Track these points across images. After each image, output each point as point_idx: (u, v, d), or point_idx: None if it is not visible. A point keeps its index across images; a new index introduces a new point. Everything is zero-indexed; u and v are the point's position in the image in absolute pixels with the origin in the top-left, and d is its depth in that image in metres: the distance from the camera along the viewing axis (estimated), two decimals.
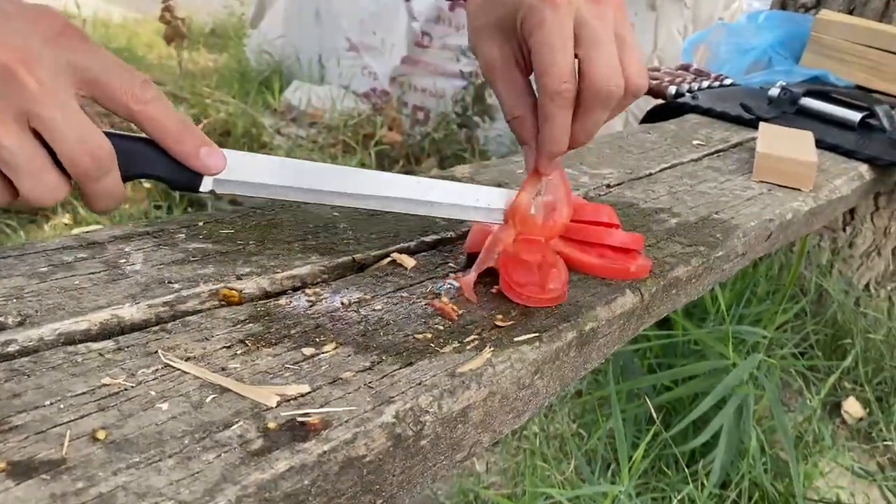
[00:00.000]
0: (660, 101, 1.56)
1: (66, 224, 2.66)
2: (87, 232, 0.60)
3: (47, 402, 0.37)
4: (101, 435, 0.35)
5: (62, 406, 0.37)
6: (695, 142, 1.26)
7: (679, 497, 1.24)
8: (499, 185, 0.90)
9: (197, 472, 0.34)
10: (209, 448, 0.36)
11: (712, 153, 1.21)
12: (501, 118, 3.50)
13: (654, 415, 1.21)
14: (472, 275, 0.58)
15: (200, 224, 0.64)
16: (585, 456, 1.28)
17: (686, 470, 1.26)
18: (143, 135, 0.51)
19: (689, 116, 1.45)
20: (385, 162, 3.24)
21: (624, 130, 1.31)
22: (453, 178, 0.90)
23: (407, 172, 2.67)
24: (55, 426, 0.36)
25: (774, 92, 1.48)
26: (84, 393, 0.39)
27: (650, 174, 1.05)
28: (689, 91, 1.57)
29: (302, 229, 0.67)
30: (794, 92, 1.47)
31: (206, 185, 0.55)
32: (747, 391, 1.31)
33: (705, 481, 1.26)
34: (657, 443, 1.27)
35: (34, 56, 0.45)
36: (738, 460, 1.34)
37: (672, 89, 1.57)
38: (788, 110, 1.46)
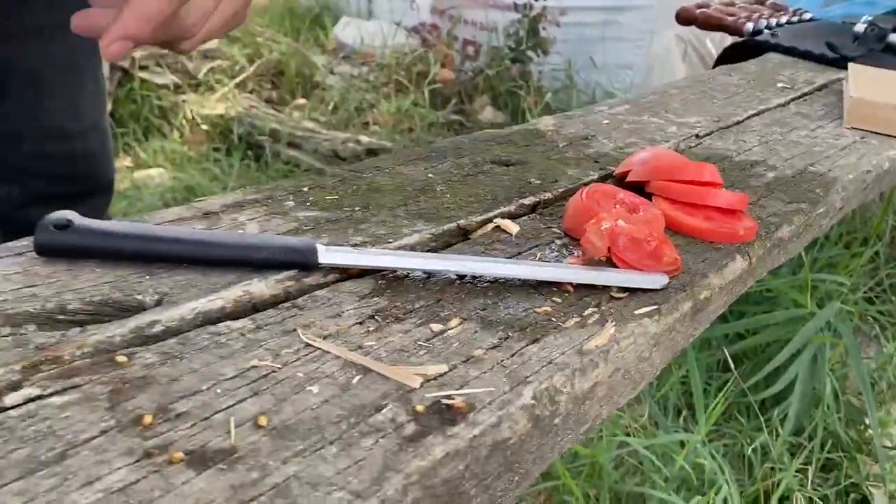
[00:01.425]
0: (737, 39, 1.50)
1: (127, 167, 2.71)
2: (199, 201, 0.61)
3: (204, 387, 0.38)
4: (262, 421, 0.36)
5: (219, 391, 0.38)
6: (779, 84, 1.22)
7: (753, 445, 1.25)
8: (584, 138, 0.88)
9: (360, 460, 0.35)
10: (366, 433, 0.37)
11: (798, 97, 1.17)
12: (556, 52, 3.42)
13: (732, 363, 1.21)
14: (576, 259, 0.58)
15: (305, 190, 0.64)
16: (658, 403, 1.28)
17: (760, 417, 1.26)
18: None
19: (770, 56, 1.39)
20: (438, 101, 3.20)
21: (704, 73, 1.27)
22: (537, 132, 0.88)
23: (460, 111, 2.65)
24: (217, 412, 0.37)
25: (860, 28, 1.41)
26: (236, 376, 0.40)
27: (738, 122, 1.02)
28: (768, 28, 1.51)
29: (402, 193, 0.67)
30: (883, 28, 1.40)
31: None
32: (824, 340, 1.29)
33: (779, 429, 1.26)
34: (730, 390, 1.27)
35: None
36: (812, 408, 1.33)
37: (749, 26, 1.51)
38: (876, 48, 1.39)
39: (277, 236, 0.54)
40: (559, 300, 0.52)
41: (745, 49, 1.44)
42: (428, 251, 0.58)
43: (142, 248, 0.48)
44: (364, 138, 2.75)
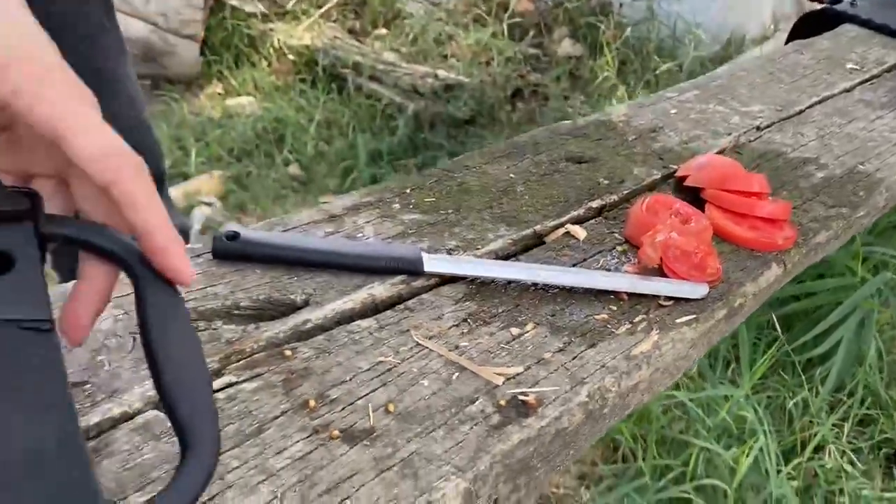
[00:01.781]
0: (816, 7, 1.52)
1: (219, 94, 2.87)
2: (324, 203, 0.74)
3: (347, 378, 0.53)
4: (391, 408, 0.51)
5: (358, 381, 0.53)
6: (848, 65, 1.26)
7: (794, 400, 1.36)
8: (652, 131, 0.98)
9: (460, 442, 0.49)
10: (464, 421, 0.51)
11: (865, 80, 1.22)
12: None
13: (777, 326, 1.31)
14: (632, 267, 0.69)
15: (408, 192, 0.77)
16: (707, 357, 1.40)
17: (802, 376, 1.36)
18: None
19: (846, 28, 1.42)
20: (516, 33, 3.23)
21: (776, 52, 1.32)
22: (609, 123, 0.98)
23: (538, 45, 2.69)
24: (358, 399, 0.51)
25: None
26: (368, 369, 0.54)
27: (800, 111, 1.09)
28: None
29: (487, 195, 0.79)
30: None
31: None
32: (872, 306, 1.38)
33: (820, 388, 1.37)
34: (777, 349, 1.37)
35: None
36: (856, 367, 1.43)
37: None
38: None
39: (392, 245, 0.67)
40: (615, 308, 0.64)
41: (823, 18, 1.47)
42: (509, 255, 0.70)
43: (291, 256, 0.63)
44: (442, 73, 2.84)
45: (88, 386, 0.48)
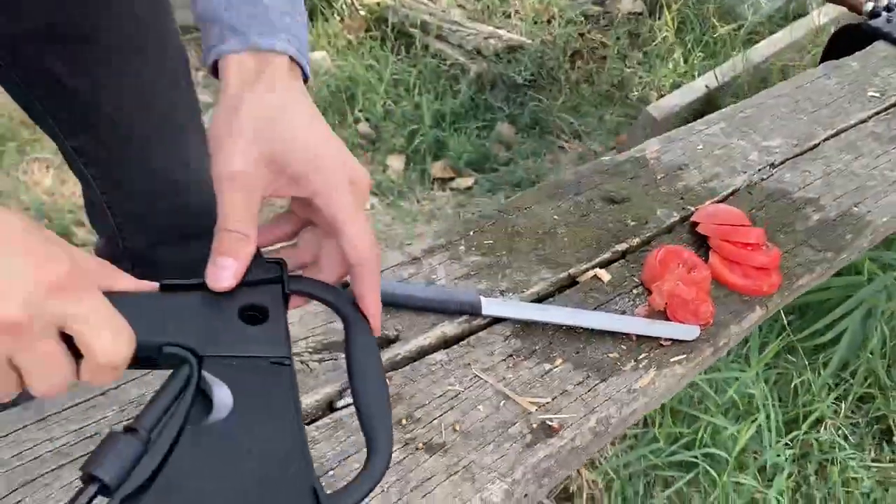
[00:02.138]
0: (853, 22, 1.63)
1: None
2: (408, 244, 0.96)
3: (426, 402, 0.76)
4: (457, 427, 0.74)
5: (434, 405, 0.76)
6: (870, 91, 1.40)
7: (799, 380, 1.56)
8: (679, 168, 1.16)
9: (503, 455, 0.72)
10: (507, 440, 0.73)
11: (882, 110, 1.36)
12: None
13: (784, 316, 1.50)
14: (643, 310, 0.90)
15: (471, 234, 0.98)
16: None
17: (805, 360, 1.56)
18: None
19: (878, 47, 1.54)
20: None
21: (805, 76, 1.45)
22: (643, 160, 1.17)
23: (601, 2, 2.79)
24: (434, 419, 0.74)
25: None
26: (440, 395, 0.77)
27: (814, 146, 1.25)
28: (888, 9, 1.62)
29: (534, 236, 0.99)
30: None
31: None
32: (878, 302, 1.55)
33: (822, 371, 1.56)
34: (784, 337, 1.57)
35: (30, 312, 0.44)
36: (860, 352, 1.61)
37: (869, 5, 1.63)
38: None
39: (458, 290, 0.89)
40: (624, 347, 0.85)
41: (859, 33, 1.58)
42: (548, 296, 0.92)
43: (386, 300, 0.85)
44: (504, 34, 2.97)
45: None
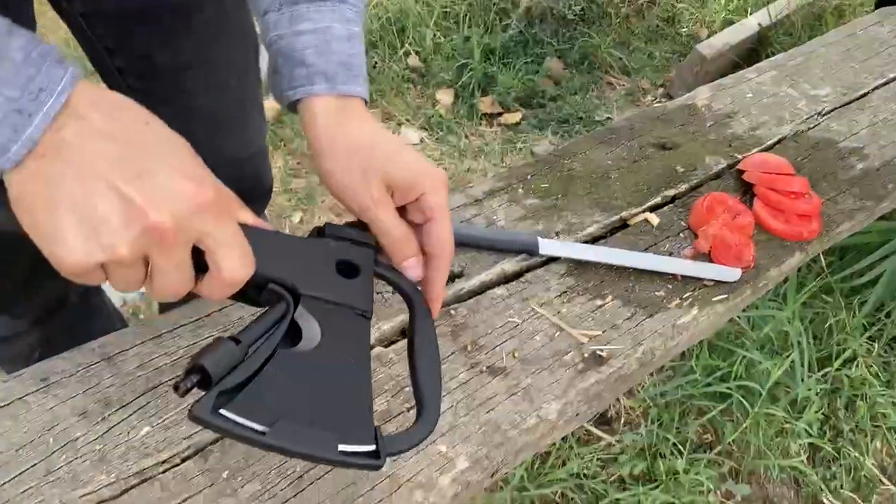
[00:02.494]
0: None
1: None
2: (469, 187, 1.03)
3: (488, 331, 0.85)
4: (516, 354, 0.83)
5: (496, 334, 0.84)
6: None
7: (835, 318, 1.62)
8: (728, 116, 1.21)
9: (558, 379, 0.81)
10: (561, 367, 0.82)
11: None
12: None
13: (823, 258, 1.56)
14: (689, 252, 0.97)
15: (528, 178, 1.05)
16: None
17: (841, 301, 1.62)
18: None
19: None
20: None
21: (857, 23, 1.46)
22: (693, 108, 1.21)
23: None
24: (495, 347, 0.83)
25: None
26: (501, 326, 0.85)
27: (863, 94, 1.28)
28: None
29: (588, 181, 1.06)
30: None
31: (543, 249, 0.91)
32: None
33: (857, 311, 1.62)
34: (823, 278, 1.62)
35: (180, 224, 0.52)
36: None
37: None
38: None
39: (517, 232, 0.97)
40: (671, 286, 0.93)
41: None
42: (600, 237, 0.99)
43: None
44: None
45: None
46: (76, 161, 0.50)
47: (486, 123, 2.57)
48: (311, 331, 0.61)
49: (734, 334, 1.57)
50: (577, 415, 0.81)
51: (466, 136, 2.52)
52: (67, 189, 0.50)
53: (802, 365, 1.54)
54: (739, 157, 1.12)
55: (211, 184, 0.56)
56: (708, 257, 0.96)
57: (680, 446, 1.51)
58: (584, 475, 1.46)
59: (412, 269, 0.69)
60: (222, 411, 0.52)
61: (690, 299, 0.92)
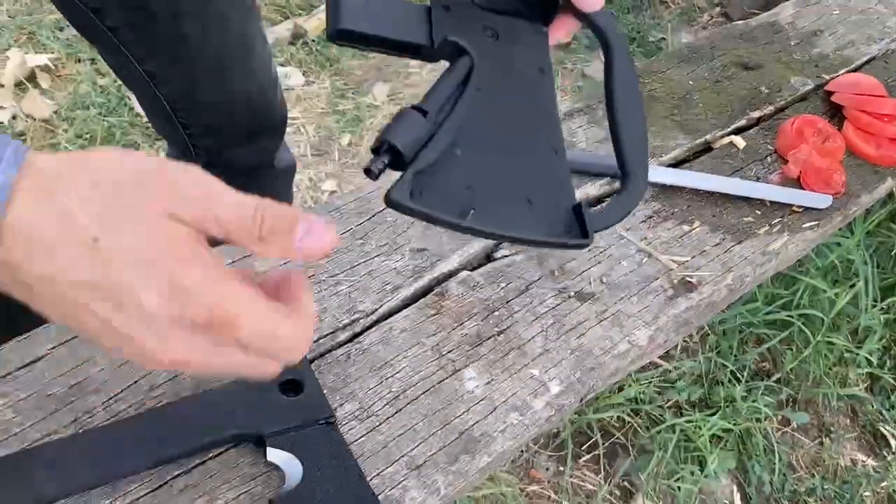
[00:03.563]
0: None
1: None
2: None
3: (575, 256, 0.83)
4: (604, 279, 0.81)
5: (582, 259, 0.83)
6: None
7: None
8: (813, 34, 1.15)
9: (647, 307, 0.79)
10: (650, 293, 0.81)
11: None
12: None
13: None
14: (777, 177, 0.93)
15: None
16: None
17: None
18: None
19: None
20: None
21: None
22: (776, 25, 1.15)
23: None
24: (583, 271, 0.82)
25: None
26: (592, 248, 0.84)
27: None
28: None
29: (670, 102, 1.02)
30: None
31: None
32: None
33: None
34: (888, 203, 1.58)
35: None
36: None
37: None
38: None
39: (600, 154, 0.94)
40: (759, 212, 0.90)
41: None
42: (685, 160, 0.96)
43: None
44: None
45: (427, 251, 0.81)
46: (37, 288, 0.42)
47: None
48: (493, 80, 0.54)
49: (798, 261, 1.54)
50: (666, 341, 0.80)
51: None
52: (56, 313, 0.43)
53: (867, 294, 1.51)
54: (827, 77, 1.08)
55: (181, 274, 0.43)
56: (797, 183, 0.93)
57: (738, 374, 1.50)
58: (641, 400, 1.47)
59: None
60: (417, 195, 0.47)
61: (780, 226, 0.89)
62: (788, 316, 1.50)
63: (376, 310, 0.75)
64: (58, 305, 0.43)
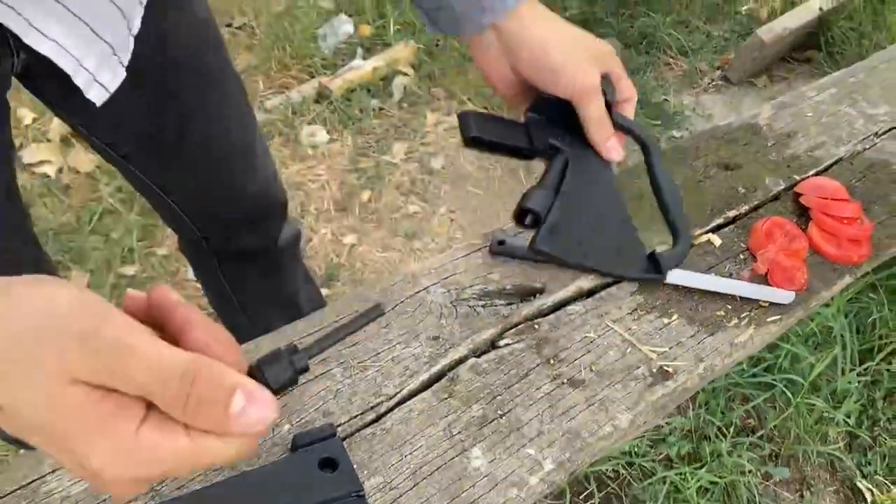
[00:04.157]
0: None
1: None
2: None
3: (569, 345, 0.97)
4: (593, 367, 0.95)
5: (574, 348, 0.97)
6: None
7: (879, 314, 1.71)
8: (788, 136, 1.29)
9: (629, 392, 0.93)
10: (632, 380, 0.94)
11: None
12: None
13: None
14: (747, 274, 1.07)
15: None
16: None
17: (885, 298, 1.70)
18: None
19: None
20: None
21: None
22: (755, 127, 1.30)
23: None
24: (576, 360, 0.95)
25: None
26: (579, 340, 0.98)
27: None
28: None
29: (654, 201, 1.16)
30: None
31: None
32: None
33: None
34: (867, 275, 1.71)
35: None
36: None
37: None
38: None
39: None
40: (730, 307, 1.04)
41: None
42: None
43: (532, 257, 1.05)
44: None
45: (440, 339, 0.95)
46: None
47: None
48: (579, 170, 0.84)
49: None
50: (645, 422, 0.94)
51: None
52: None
53: (845, 359, 1.64)
54: (797, 178, 1.21)
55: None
56: (764, 279, 1.07)
57: (724, 430, 1.63)
58: (635, 453, 1.60)
59: (613, 150, 0.86)
60: (550, 242, 0.75)
61: (747, 319, 1.03)
62: (772, 379, 1.62)
63: (398, 393, 0.89)
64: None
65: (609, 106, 0.85)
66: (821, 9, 2.61)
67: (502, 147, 0.82)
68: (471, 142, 0.80)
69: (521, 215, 0.76)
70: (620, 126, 0.88)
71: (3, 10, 0.77)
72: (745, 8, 2.95)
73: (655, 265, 0.82)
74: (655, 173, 0.87)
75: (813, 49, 2.68)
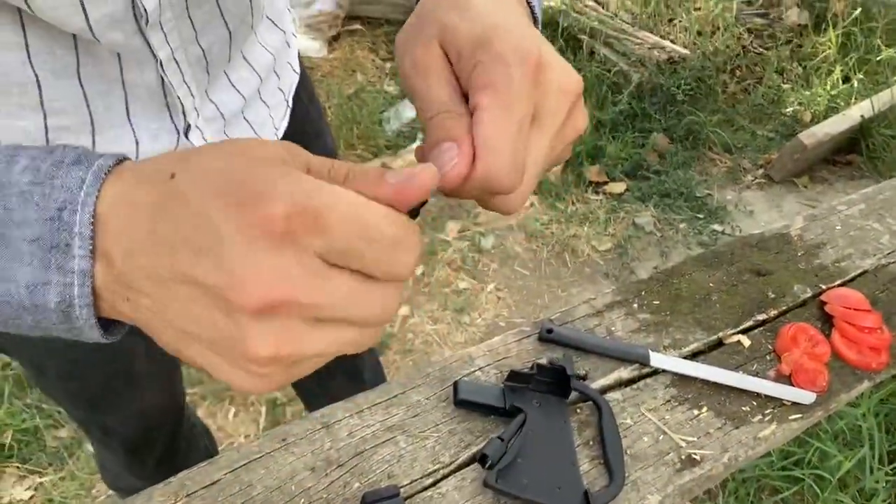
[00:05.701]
0: None
1: None
2: (592, 299, 1.27)
3: (629, 422, 1.08)
4: (628, 451, 1.06)
5: (632, 430, 1.08)
6: None
7: None
8: (817, 246, 1.40)
9: (660, 475, 1.04)
10: (663, 465, 1.05)
11: None
12: None
13: None
14: (772, 373, 1.18)
15: (643, 294, 1.28)
16: None
17: None
18: None
19: None
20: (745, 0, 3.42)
21: None
22: (787, 237, 1.42)
23: (765, 15, 2.93)
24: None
25: None
26: (620, 424, 1.09)
27: None
28: None
29: (692, 301, 1.28)
30: None
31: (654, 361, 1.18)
32: None
33: None
34: None
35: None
36: None
37: None
38: None
39: (632, 344, 1.20)
40: (755, 403, 1.14)
41: None
42: (700, 353, 1.21)
43: (578, 345, 1.17)
44: (668, 45, 3.15)
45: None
46: (140, 281, 0.39)
47: (592, 191, 2.79)
48: (537, 426, 1.02)
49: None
50: None
51: (573, 202, 2.75)
52: (160, 319, 0.41)
53: (873, 458, 1.70)
54: (824, 287, 1.33)
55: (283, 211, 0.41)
56: (788, 380, 1.17)
57: None
58: None
59: (446, 151, 0.51)
60: (499, 481, 0.93)
61: (770, 416, 1.13)
62: (801, 474, 1.70)
63: (453, 462, 1.01)
64: (162, 301, 0.40)
65: (567, 378, 1.06)
66: (862, 116, 2.74)
67: (482, 406, 1.05)
68: (460, 403, 1.05)
69: (482, 457, 0.96)
70: (579, 391, 1.09)
71: None
72: (789, 110, 3.08)
73: (587, 502, 0.98)
74: (603, 429, 1.05)
75: (854, 153, 2.79)
